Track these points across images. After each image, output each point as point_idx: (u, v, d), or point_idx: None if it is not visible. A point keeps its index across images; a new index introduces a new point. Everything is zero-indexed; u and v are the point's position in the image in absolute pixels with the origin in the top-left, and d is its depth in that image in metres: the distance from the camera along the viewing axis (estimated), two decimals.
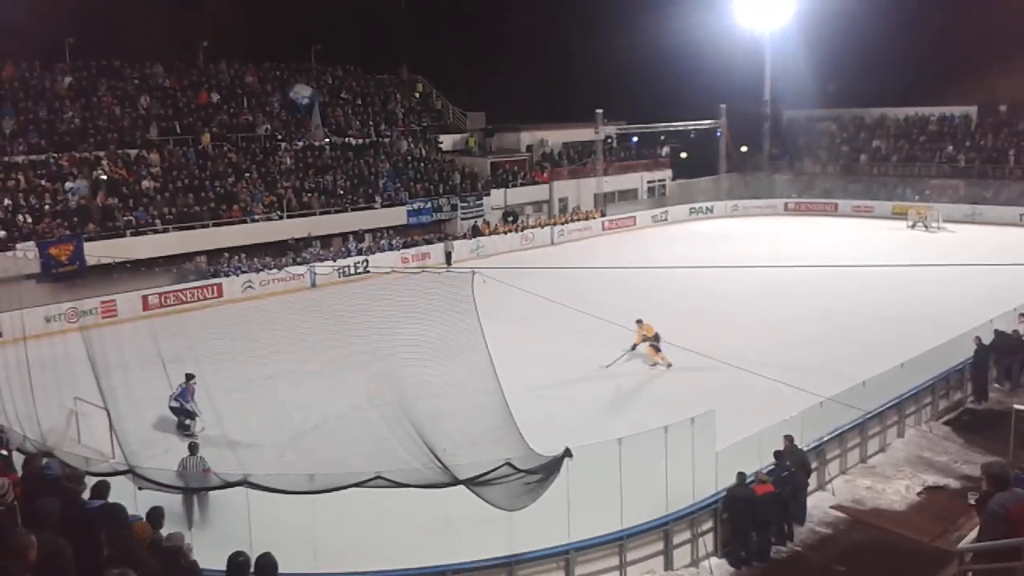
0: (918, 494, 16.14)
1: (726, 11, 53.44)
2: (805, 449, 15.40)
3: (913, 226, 44.87)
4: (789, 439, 14.97)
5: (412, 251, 38.55)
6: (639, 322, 22.82)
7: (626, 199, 51.86)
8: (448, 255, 38.59)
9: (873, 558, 14.07)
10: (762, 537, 14.00)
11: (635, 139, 55.50)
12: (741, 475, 13.92)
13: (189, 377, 18.83)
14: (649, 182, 53.65)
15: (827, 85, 55.66)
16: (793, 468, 14.63)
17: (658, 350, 22.44)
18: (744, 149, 58.94)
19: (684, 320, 25.89)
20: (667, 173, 54.93)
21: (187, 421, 18.63)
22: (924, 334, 22.37)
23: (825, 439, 16.38)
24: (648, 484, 13.28)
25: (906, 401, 18.76)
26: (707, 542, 13.95)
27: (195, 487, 13.91)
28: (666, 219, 50.77)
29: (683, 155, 59.67)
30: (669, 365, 22.08)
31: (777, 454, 14.69)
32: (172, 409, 18.72)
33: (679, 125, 54.81)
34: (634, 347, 22.67)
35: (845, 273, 28.28)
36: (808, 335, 25.21)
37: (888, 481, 16.62)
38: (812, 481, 15.71)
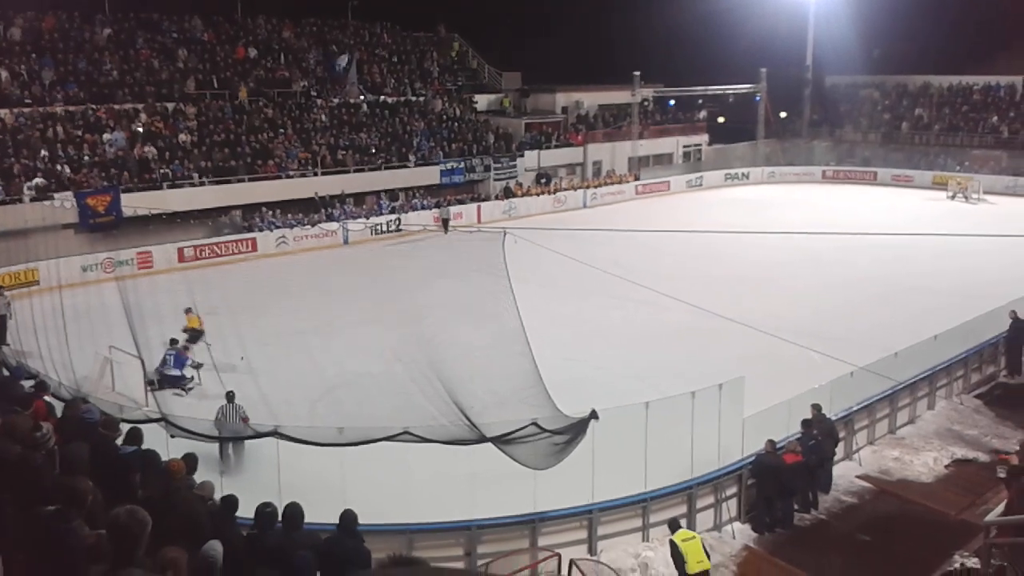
0: (946, 467, 16.05)
1: None
2: (833, 418, 15.34)
3: (953, 197, 44.11)
4: (817, 408, 14.91)
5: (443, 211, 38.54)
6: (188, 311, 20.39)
7: (661, 163, 51.35)
8: (445, 222, 37.49)
9: (898, 529, 14.04)
10: (787, 504, 14.02)
11: (672, 102, 54.81)
12: (771, 442, 13.90)
13: (173, 342, 18.57)
14: (685, 146, 53.02)
15: (871, 51, 54.68)
16: (820, 437, 14.60)
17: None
18: (783, 115, 58.04)
19: (717, 286, 25.79)
20: (703, 138, 54.24)
21: (176, 389, 18.17)
22: (959, 306, 22.09)
23: (854, 409, 16.31)
24: (673, 448, 13.33)
25: (938, 373, 18.60)
26: (731, 507, 14.00)
27: (226, 436, 14.18)
28: (701, 184, 50.31)
29: (720, 120, 58.91)
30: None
31: (805, 422, 14.66)
32: (169, 378, 18.20)
33: (717, 89, 53.98)
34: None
35: (881, 242, 28.01)
36: (842, 304, 24.99)
37: (916, 453, 16.53)
38: (839, 450, 15.67)
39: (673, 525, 11.83)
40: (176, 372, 18.40)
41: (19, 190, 28.95)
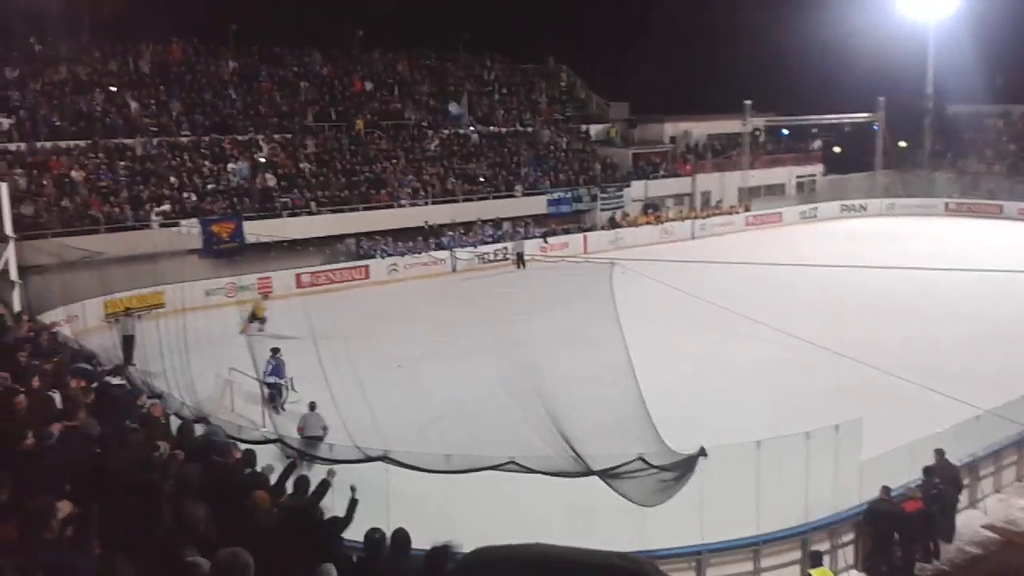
0: None
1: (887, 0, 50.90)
2: (958, 464, 14.63)
3: None
4: (940, 453, 14.26)
5: (551, 240, 38.68)
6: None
7: (772, 194, 50.35)
8: (519, 256, 35.90)
9: None
10: (907, 553, 13.42)
11: (785, 131, 53.75)
12: (886, 489, 13.35)
13: (275, 351, 19.24)
14: (798, 177, 51.84)
15: (994, 79, 52.48)
16: (943, 484, 13.94)
17: None
18: (903, 145, 56.10)
19: (829, 322, 25.01)
20: (818, 168, 52.93)
21: (276, 396, 18.98)
22: None
23: (980, 455, 15.52)
24: (787, 490, 12.94)
25: None
26: (847, 554, 13.49)
27: (339, 459, 14.50)
28: (815, 216, 48.95)
29: (836, 149, 57.39)
30: None
31: (927, 470, 14.03)
32: (267, 385, 18.90)
33: (833, 118, 52.69)
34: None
35: (1008, 279, 26.60)
36: (965, 342, 23.87)
37: None
38: (963, 498, 14.93)
39: (815, 558, 11.46)
40: (273, 379, 18.95)
41: (148, 216, 30.52)
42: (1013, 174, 50.94)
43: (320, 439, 15.20)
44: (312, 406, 16.25)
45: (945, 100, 54.99)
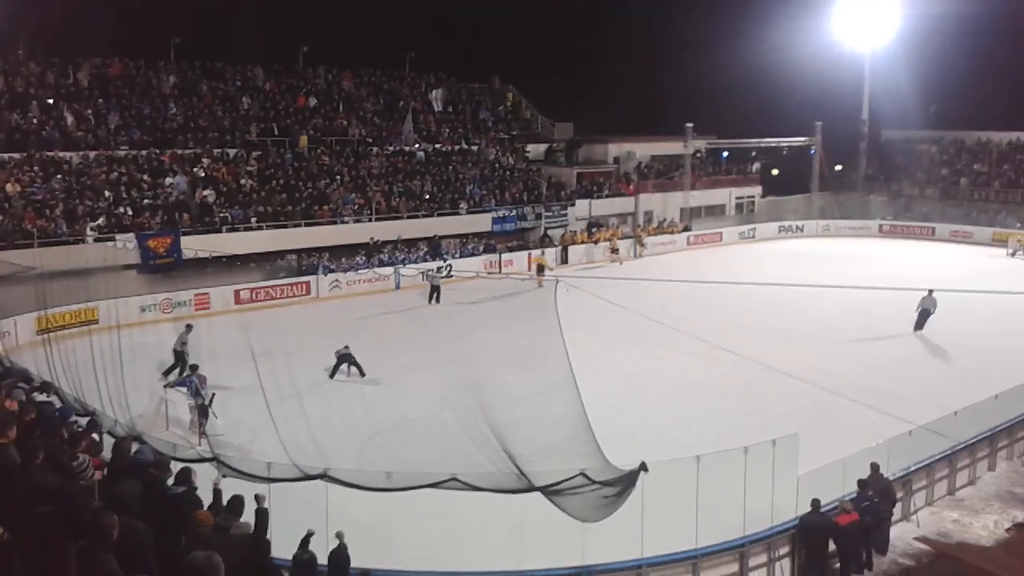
0: (1007, 530, 15.50)
1: (825, 28, 52.32)
2: (891, 478, 14.94)
3: (1013, 254, 43.17)
4: (875, 467, 14.55)
5: (495, 257, 38.75)
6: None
7: (713, 215, 51.25)
8: (435, 290, 32.65)
9: None
10: (843, 566, 13.63)
11: (725, 154, 54.75)
12: (816, 502, 13.56)
13: (194, 369, 18.71)
14: (738, 198, 52.94)
15: (928, 106, 54.23)
16: (877, 498, 14.21)
17: None
18: (838, 168, 57.64)
19: (768, 339, 25.47)
20: (757, 190, 54.15)
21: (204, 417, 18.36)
22: (1020, 366, 21.48)
23: (912, 469, 15.87)
24: (725, 504, 13.08)
25: (999, 434, 18.06)
26: (784, 567, 13.65)
27: (276, 478, 14.24)
28: (754, 236, 49.96)
29: (774, 172, 58.63)
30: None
31: (861, 483, 14.29)
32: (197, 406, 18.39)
33: (771, 141, 53.81)
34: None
35: (939, 299, 27.37)
36: (898, 360, 24.46)
37: (976, 515, 16.02)
38: (896, 511, 15.24)
39: None
40: (183, 391, 18.43)
41: (82, 231, 29.82)
42: (945, 198, 52.61)
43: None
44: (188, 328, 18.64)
45: (880, 125, 56.76)
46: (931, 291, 27.22)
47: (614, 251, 41.89)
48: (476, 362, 23.17)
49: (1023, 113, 51.46)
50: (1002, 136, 53.75)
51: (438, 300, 32.40)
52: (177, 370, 21.26)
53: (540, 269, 36.10)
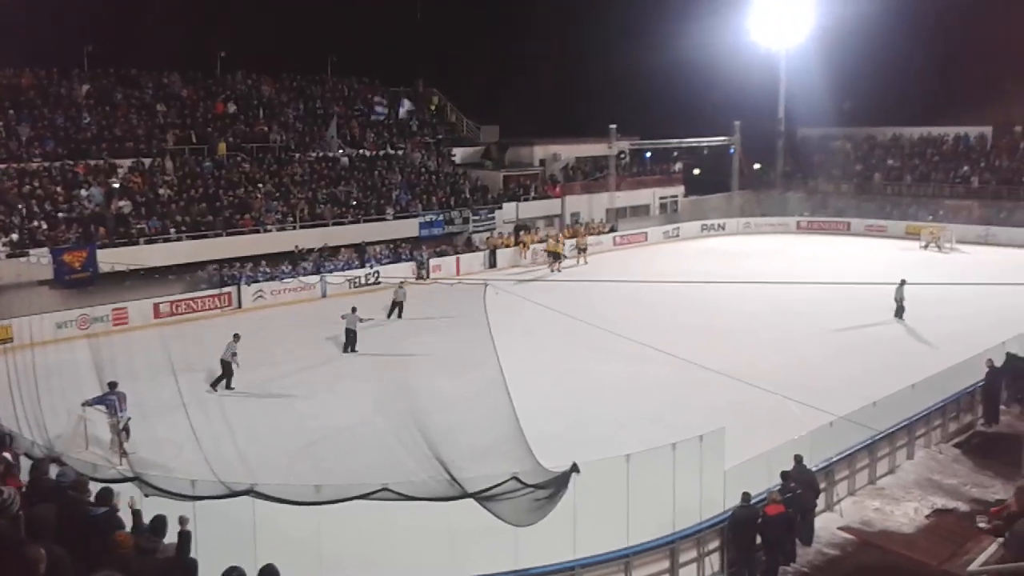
0: (926, 517, 16.00)
1: (741, 29, 53.47)
2: (814, 469, 15.29)
3: (926, 246, 44.71)
4: (798, 459, 14.86)
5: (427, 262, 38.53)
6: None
7: (638, 215, 51.91)
8: (397, 305, 30.25)
9: None
10: (770, 557, 13.87)
11: (648, 155, 55.54)
12: (746, 495, 13.80)
13: (112, 385, 17.64)
14: (661, 198, 53.70)
15: (842, 103, 55.76)
16: (800, 489, 14.52)
17: None
18: (757, 166, 58.93)
19: (695, 336, 25.86)
20: (679, 189, 54.99)
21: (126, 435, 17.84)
22: (935, 355, 22.28)
23: (834, 459, 16.26)
24: (655, 501, 13.21)
25: (916, 422, 18.61)
26: (713, 561, 13.86)
27: (199, 496, 13.90)
28: (678, 235, 50.77)
29: (696, 171, 59.69)
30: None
31: (784, 474, 14.57)
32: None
33: (692, 141, 54.78)
34: None
35: (856, 292, 28.18)
36: (818, 354, 25.09)
37: (897, 503, 16.49)
38: (820, 502, 15.59)
39: None
40: (100, 408, 17.62)
41: None
42: (860, 193, 54.20)
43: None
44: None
45: (796, 123, 58.16)
46: (904, 281, 28.44)
47: (582, 250, 42.08)
48: (407, 367, 23.08)
49: (934, 109, 53.51)
50: (913, 131, 55.66)
51: (400, 315, 30.06)
52: (224, 381, 21.78)
53: (556, 256, 35.30)
